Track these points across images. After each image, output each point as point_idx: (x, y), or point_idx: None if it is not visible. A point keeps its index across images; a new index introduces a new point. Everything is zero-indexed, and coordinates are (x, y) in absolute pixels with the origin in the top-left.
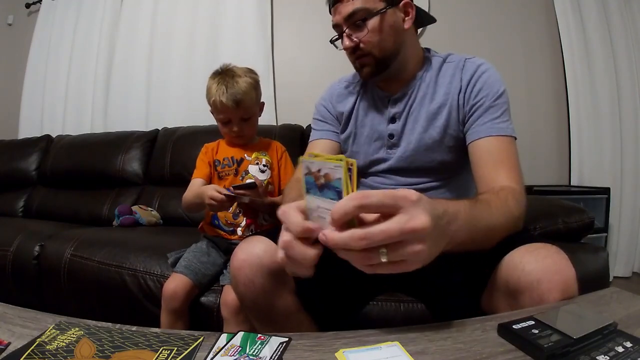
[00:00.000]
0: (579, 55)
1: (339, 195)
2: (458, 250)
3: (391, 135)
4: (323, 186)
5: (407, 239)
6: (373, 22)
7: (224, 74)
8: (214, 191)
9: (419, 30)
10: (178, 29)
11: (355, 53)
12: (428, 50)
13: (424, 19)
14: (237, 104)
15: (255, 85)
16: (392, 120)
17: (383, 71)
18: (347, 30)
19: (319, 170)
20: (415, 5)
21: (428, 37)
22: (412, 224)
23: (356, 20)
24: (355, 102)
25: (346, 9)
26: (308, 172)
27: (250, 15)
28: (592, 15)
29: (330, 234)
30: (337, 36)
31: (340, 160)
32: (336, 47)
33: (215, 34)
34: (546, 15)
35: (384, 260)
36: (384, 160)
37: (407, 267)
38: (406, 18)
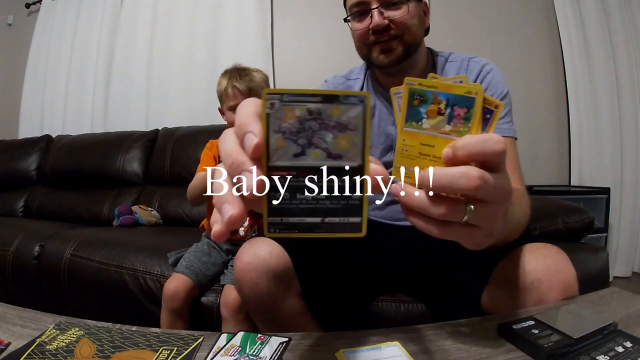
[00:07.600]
0: (579, 55)
1: (461, 132)
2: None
3: None
4: (438, 116)
5: (497, 198)
6: (412, 5)
7: (237, 70)
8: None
9: None
10: (178, 29)
11: (382, 34)
12: (430, 50)
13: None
14: (250, 91)
15: (267, 81)
16: None
17: (405, 59)
18: (379, 7)
19: (436, 100)
20: None
21: (428, 37)
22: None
23: None
24: None
25: None
26: (420, 101)
27: (250, 15)
28: (592, 15)
29: (435, 169)
30: (354, 14)
31: (469, 92)
32: (350, 27)
33: (215, 34)
34: (546, 15)
35: (466, 218)
36: (392, 163)
37: (477, 236)
38: (425, 17)
